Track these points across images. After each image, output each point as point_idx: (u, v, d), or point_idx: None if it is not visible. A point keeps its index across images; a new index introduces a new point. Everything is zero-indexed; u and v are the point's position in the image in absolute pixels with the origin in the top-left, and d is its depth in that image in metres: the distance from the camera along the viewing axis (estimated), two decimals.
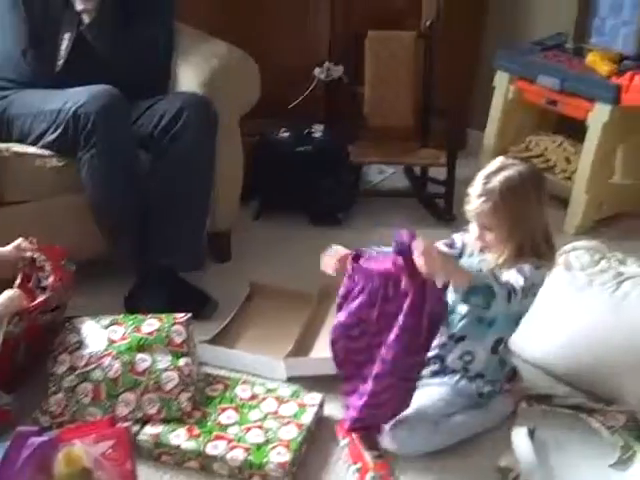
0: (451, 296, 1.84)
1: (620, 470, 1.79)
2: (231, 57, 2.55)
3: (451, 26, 3.26)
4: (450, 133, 2.98)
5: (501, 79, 3.16)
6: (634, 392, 1.98)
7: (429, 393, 1.93)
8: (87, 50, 2.37)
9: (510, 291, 1.74)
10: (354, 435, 1.88)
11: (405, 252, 1.69)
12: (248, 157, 2.75)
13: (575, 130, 3.04)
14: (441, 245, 1.97)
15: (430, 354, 1.87)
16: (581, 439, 1.87)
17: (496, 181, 1.79)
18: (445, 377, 1.95)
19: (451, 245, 2.00)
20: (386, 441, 1.87)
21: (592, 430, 1.88)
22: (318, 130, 3.13)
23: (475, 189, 1.82)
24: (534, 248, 1.84)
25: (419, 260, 1.65)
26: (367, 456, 1.83)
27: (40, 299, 1.99)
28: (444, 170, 3.04)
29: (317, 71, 3.36)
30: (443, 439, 1.87)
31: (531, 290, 1.81)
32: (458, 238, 2.00)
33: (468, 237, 1.93)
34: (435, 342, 1.86)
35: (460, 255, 1.98)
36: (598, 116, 2.83)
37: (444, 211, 3.01)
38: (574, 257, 2.26)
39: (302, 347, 2.20)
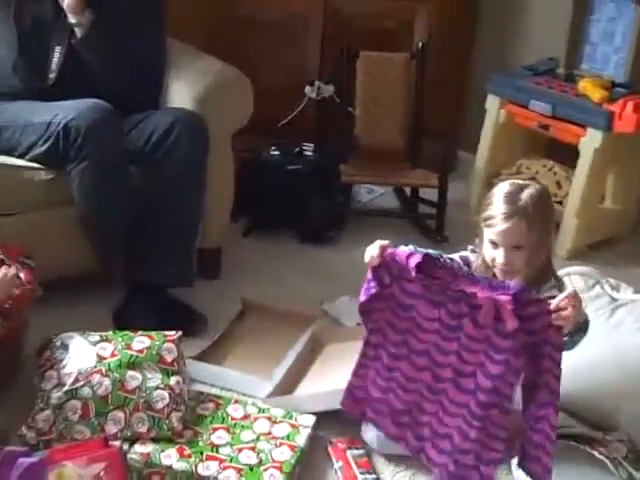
0: None
1: None
2: (225, 74, 2.52)
3: (442, 48, 3.28)
4: (444, 155, 2.98)
5: (493, 103, 3.17)
6: (630, 419, 1.97)
7: None
8: (78, 64, 2.36)
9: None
10: (349, 457, 1.85)
11: (523, 297, 1.62)
12: (238, 173, 2.72)
13: (565, 155, 3.05)
14: (456, 257, 1.92)
15: None
16: (582, 471, 1.84)
17: (525, 199, 1.76)
18: None
19: (465, 261, 1.92)
20: (368, 438, 1.92)
21: (593, 462, 1.85)
22: (309, 149, 3.12)
23: (500, 209, 1.77)
24: (549, 267, 1.85)
25: (567, 309, 1.58)
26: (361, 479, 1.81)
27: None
28: (433, 191, 3.04)
29: (308, 90, 3.35)
30: None
31: None
32: (472, 257, 1.92)
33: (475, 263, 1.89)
34: None
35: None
36: (590, 142, 2.84)
37: (436, 232, 3.00)
38: (568, 282, 2.25)
39: (290, 380, 2.12)
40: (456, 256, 1.93)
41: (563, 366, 2.08)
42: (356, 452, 1.90)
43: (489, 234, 1.80)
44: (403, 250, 1.76)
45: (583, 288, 2.24)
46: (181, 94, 2.46)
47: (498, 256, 1.79)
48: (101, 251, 2.32)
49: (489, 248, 1.81)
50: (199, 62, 2.57)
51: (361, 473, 1.84)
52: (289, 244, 2.93)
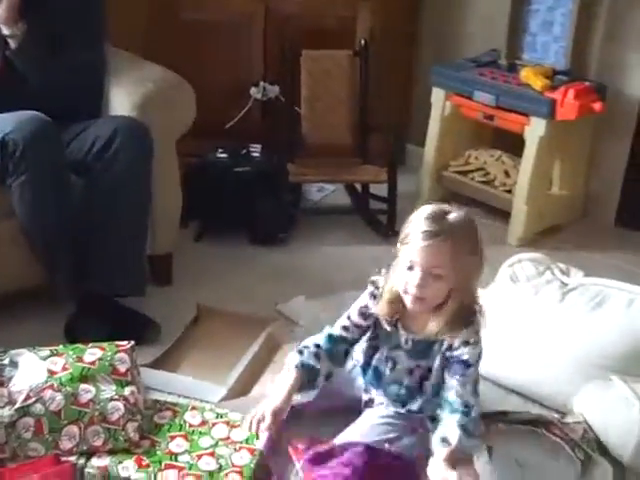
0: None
1: None
2: (165, 80, 2.50)
3: (385, 44, 3.29)
4: (390, 149, 2.98)
5: (438, 95, 3.19)
6: (584, 402, 1.99)
7: (377, 414, 1.89)
8: (15, 75, 2.31)
9: (471, 409, 1.71)
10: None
11: None
12: (186, 178, 2.70)
13: (512, 144, 3.09)
14: (355, 314, 1.84)
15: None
16: (540, 454, 1.84)
17: (450, 221, 1.62)
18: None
19: (365, 316, 1.82)
20: None
21: (551, 445, 1.86)
22: (256, 150, 3.10)
23: (422, 226, 1.62)
24: (470, 305, 1.73)
25: None
26: None
27: None
28: (384, 186, 3.04)
29: (253, 91, 3.34)
30: None
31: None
32: (370, 304, 1.81)
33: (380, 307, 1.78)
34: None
35: (376, 323, 1.82)
36: (534, 130, 2.87)
37: (387, 227, 3.01)
38: (520, 269, 2.27)
39: (245, 383, 2.12)
40: (354, 312, 1.84)
41: (518, 351, 2.12)
42: None
43: (406, 254, 1.65)
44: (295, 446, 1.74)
45: (534, 274, 2.25)
46: (121, 102, 2.43)
47: (412, 278, 1.64)
48: (45, 264, 2.28)
49: (404, 272, 1.66)
50: (139, 69, 2.54)
51: None
52: (241, 247, 2.91)
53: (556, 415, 1.97)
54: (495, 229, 3.00)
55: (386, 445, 1.77)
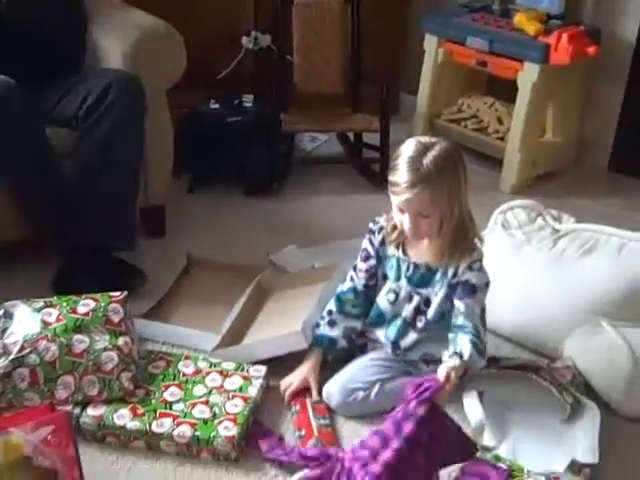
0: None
1: (571, 425, 1.81)
2: (154, 29, 2.45)
3: None
4: (383, 98, 2.96)
5: (430, 42, 3.15)
6: (573, 346, 2.01)
7: (370, 357, 1.96)
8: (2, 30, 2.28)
9: (480, 332, 1.82)
10: (307, 402, 1.89)
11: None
12: (178, 130, 2.68)
13: (506, 90, 3.06)
14: (359, 261, 1.95)
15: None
16: (529, 399, 1.88)
17: (427, 165, 1.70)
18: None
19: (367, 257, 1.94)
20: (325, 397, 1.91)
21: (540, 389, 1.88)
22: (248, 100, 3.08)
23: (403, 177, 1.71)
24: (465, 228, 1.82)
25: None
26: (314, 424, 1.83)
27: None
28: (378, 135, 3.03)
29: (245, 40, 3.30)
30: (379, 403, 1.86)
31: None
32: (369, 244, 1.94)
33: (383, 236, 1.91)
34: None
35: (378, 260, 1.93)
36: (527, 76, 2.85)
37: (380, 176, 3.00)
38: (511, 215, 2.27)
39: (237, 331, 2.13)
40: (358, 259, 1.96)
41: (509, 297, 2.13)
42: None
43: (394, 200, 1.77)
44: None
45: (526, 221, 2.26)
46: (110, 51, 2.40)
47: (405, 221, 1.78)
48: (30, 220, 2.27)
49: (397, 213, 1.79)
50: (127, 16, 2.49)
51: (315, 417, 1.85)
52: (234, 197, 2.91)
53: (546, 360, 2.00)
54: (488, 176, 3.00)
55: (377, 384, 1.86)
